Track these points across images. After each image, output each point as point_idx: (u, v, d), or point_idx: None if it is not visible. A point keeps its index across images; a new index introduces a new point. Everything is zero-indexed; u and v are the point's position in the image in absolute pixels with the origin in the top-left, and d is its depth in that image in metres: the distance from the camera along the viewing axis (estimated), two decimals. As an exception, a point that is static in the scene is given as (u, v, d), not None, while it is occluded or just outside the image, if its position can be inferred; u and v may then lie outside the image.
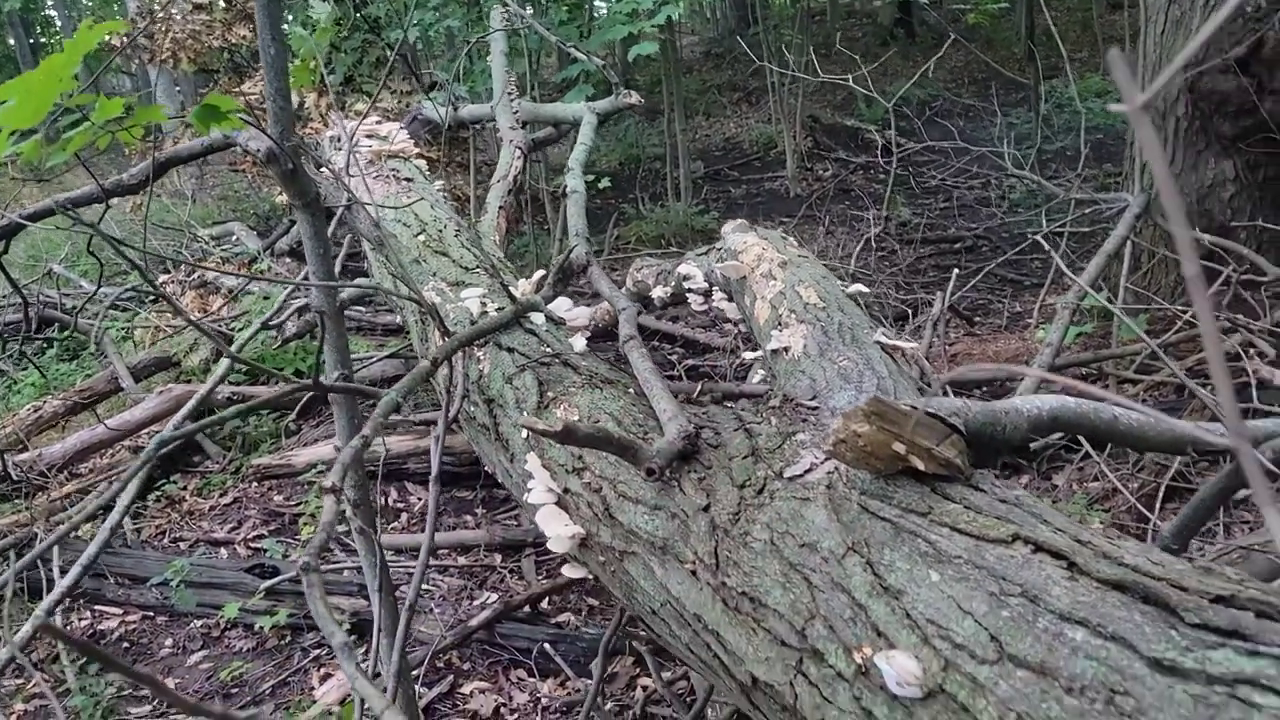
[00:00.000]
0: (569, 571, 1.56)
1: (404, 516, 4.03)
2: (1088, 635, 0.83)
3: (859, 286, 1.81)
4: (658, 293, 3.02)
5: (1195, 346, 4.07)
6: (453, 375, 1.88)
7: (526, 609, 3.36)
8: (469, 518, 4.01)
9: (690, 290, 2.81)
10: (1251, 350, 3.89)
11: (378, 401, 1.40)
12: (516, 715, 2.92)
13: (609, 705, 2.91)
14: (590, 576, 1.56)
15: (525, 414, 1.68)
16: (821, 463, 1.22)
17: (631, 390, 1.72)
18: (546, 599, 3.44)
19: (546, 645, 3.06)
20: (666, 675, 2.96)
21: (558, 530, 1.50)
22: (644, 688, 2.97)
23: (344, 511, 1.49)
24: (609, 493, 1.47)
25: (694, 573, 1.25)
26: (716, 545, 1.23)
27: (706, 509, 1.29)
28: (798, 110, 8.40)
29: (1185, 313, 3.71)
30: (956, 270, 4.33)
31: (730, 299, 2.28)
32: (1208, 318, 0.45)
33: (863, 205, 7.39)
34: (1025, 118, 8.07)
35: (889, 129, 7.65)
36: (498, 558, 3.74)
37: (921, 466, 1.09)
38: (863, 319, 1.66)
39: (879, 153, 7.63)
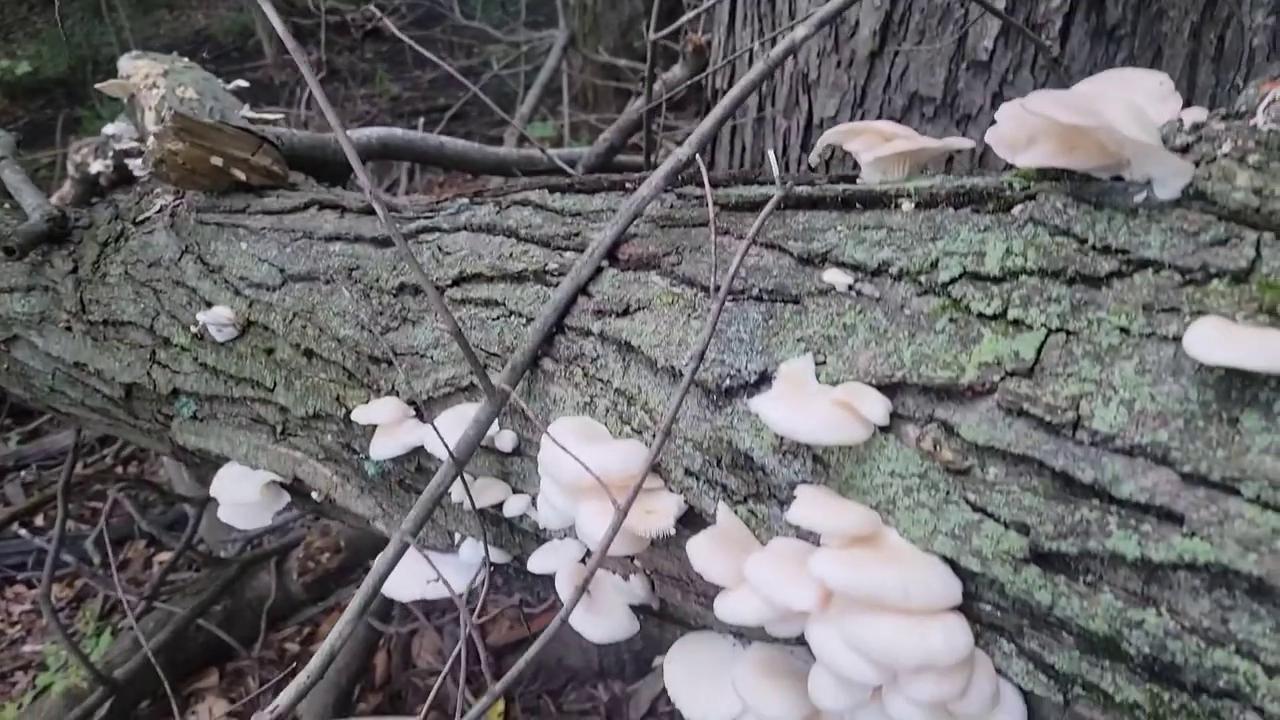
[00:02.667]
0: (-37, 387, 1.52)
1: None
2: (342, 245, 1.07)
3: (240, 82, 1.91)
4: (98, 167, 2.83)
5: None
6: None
7: (17, 527, 3.09)
8: (-70, 460, 3.51)
9: (126, 154, 2.68)
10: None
11: None
12: (19, 625, 2.73)
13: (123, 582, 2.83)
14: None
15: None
16: (171, 203, 1.34)
17: (8, 206, 1.67)
18: (41, 514, 3.18)
19: (46, 549, 2.86)
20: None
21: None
22: (160, 562, 2.93)
23: None
24: (-18, 294, 1.45)
25: (68, 327, 1.31)
26: (81, 295, 1.30)
27: (74, 271, 1.35)
28: (266, -8, 7.95)
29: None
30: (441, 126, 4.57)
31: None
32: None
33: (350, 85, 7.33)
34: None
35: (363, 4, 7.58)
36: (-25, 490, 3.34)
37: (244, 177, 1.25)
38: (234, 103, 1.77)
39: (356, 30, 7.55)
